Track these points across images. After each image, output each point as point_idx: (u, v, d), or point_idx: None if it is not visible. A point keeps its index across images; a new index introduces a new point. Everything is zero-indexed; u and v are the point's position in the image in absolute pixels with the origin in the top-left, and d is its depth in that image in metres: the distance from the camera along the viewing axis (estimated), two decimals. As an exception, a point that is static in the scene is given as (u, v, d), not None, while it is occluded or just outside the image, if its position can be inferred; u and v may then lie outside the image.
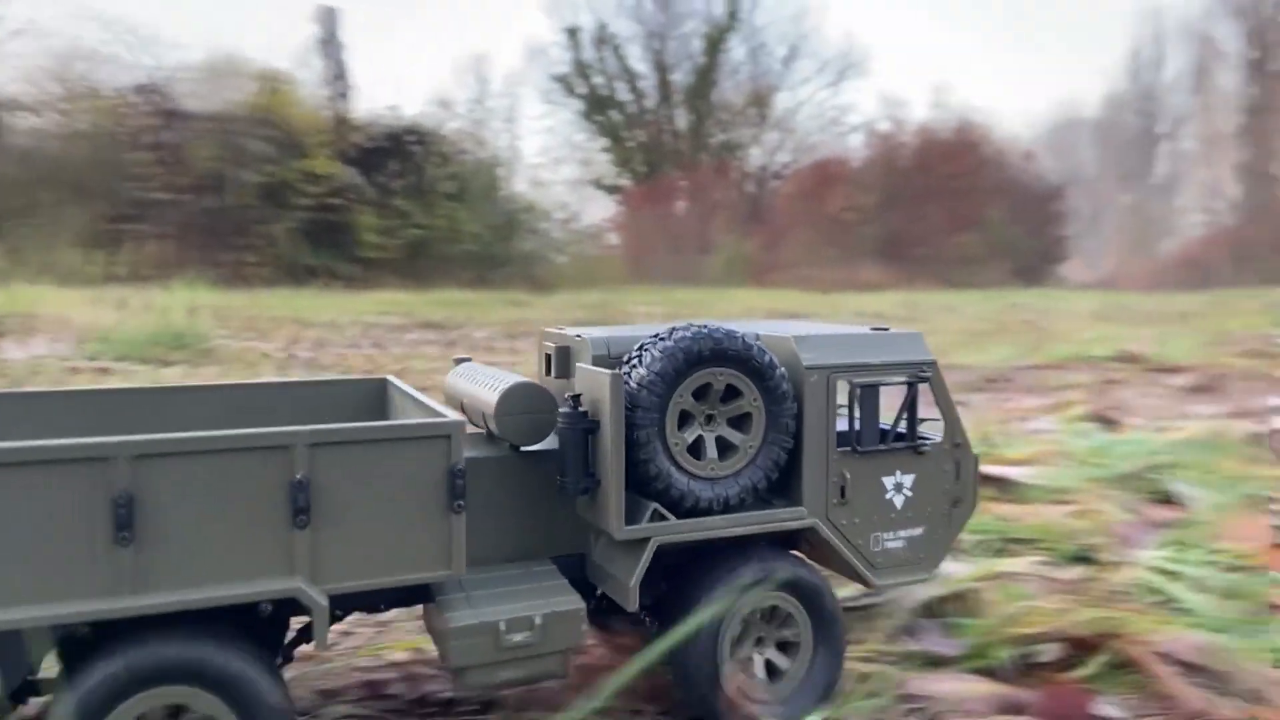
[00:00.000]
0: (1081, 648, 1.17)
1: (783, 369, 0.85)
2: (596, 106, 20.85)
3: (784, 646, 0.92)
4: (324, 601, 0.74)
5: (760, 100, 22.03)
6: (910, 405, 0.92)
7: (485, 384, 0.93)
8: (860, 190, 20.40)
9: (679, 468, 0.80)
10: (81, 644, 0.69)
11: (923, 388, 0.96)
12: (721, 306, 9.24)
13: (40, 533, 0.63)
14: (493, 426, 0.92)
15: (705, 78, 21.22)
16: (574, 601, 0.84)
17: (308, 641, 0.86)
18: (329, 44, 18.61)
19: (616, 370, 0.82)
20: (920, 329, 4.95)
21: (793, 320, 1.22)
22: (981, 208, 22.08)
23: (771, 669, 0.92)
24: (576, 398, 0.83)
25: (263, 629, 0.79)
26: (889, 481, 0.88)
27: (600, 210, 20.93)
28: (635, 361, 0.85)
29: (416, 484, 0.73)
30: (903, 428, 0.94)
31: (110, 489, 0.61)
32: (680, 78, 21.64)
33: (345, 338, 6.37)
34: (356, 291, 10.50)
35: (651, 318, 8.31)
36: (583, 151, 20.92)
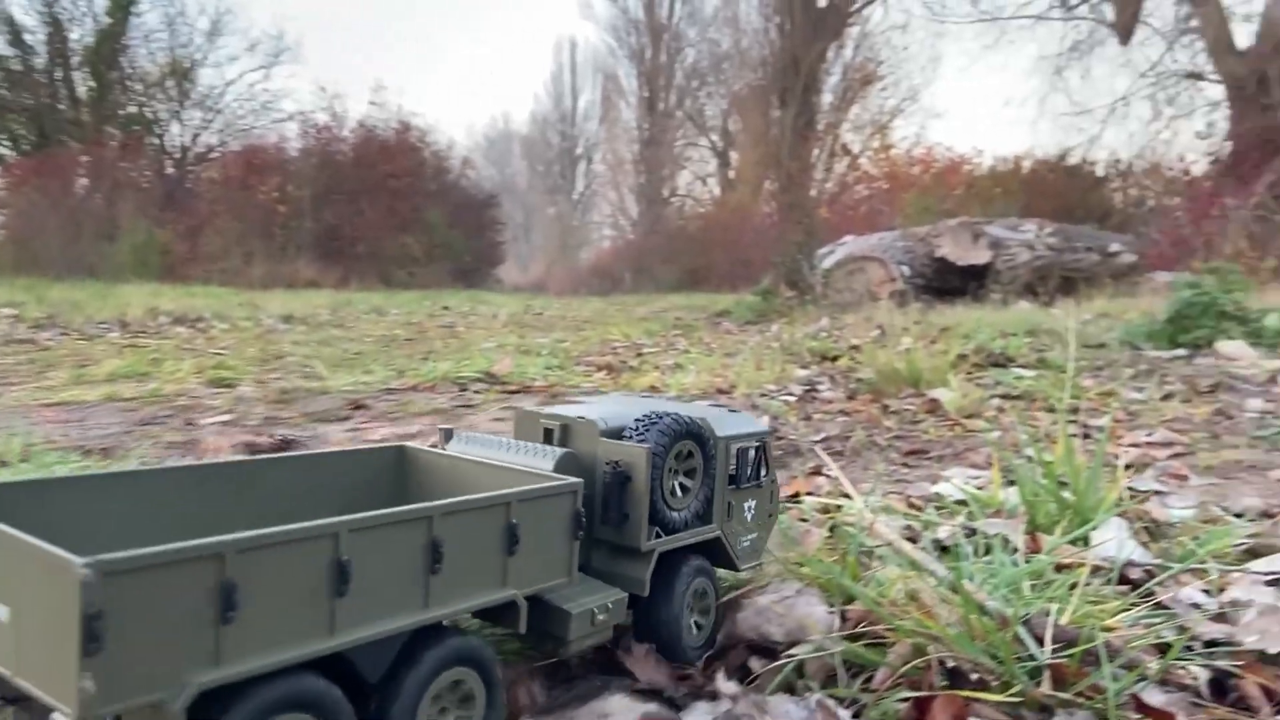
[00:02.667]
0: None
1: (712, 439, 1.19)
2: (-41, 55, 16.88)
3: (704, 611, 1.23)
4: (525, 603, 0.98)
5: (180, 74, 19.82)
6: (758, 459, 1.28)
7: (524, 452, 1.16)
8: (295, 182, 19.48)
9: (666, 504, 1.12)
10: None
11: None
12: (112, 307, 7.95)
13: (392, 570, 0.84)
14: None
15: (111, 40, 18.42)
16: (621, 593, 1.11)
17: None
18: None
19: (645, 446, 1.12)
20: (341, 334, 4.39)
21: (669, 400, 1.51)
22: (421, 209, 22.59)
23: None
24: (616, 462, 1.11)
25: None
26: (746, 505, 1.25)
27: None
28: (641, 437, 1.14)
29: (558, 521, 1.00)
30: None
31: (428, 537, 0.85)
32: (80, 37, 18.59)
33: None
34: None
35: (17, 321, 6.82)
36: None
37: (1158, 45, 14.66)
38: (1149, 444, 2.45)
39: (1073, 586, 1.11)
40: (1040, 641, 0.90)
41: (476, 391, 3.17)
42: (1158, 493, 2.03)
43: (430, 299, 14.46)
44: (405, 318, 9.61)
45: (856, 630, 0.97)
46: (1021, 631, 0.91)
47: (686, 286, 19.83)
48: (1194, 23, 14.00)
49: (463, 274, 24.53)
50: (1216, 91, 13.18)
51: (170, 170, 19.84)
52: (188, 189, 19.42)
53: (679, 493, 1.10)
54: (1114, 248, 11.16)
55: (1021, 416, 2.81)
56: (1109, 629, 0.98)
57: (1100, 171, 14.71)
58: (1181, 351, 4.23)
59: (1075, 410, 2.92)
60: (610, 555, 1.14)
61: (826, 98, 22.79)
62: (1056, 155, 14.91)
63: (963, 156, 17.51)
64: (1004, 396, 3.09)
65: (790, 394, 3.24)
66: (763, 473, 1.24)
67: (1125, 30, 15.73)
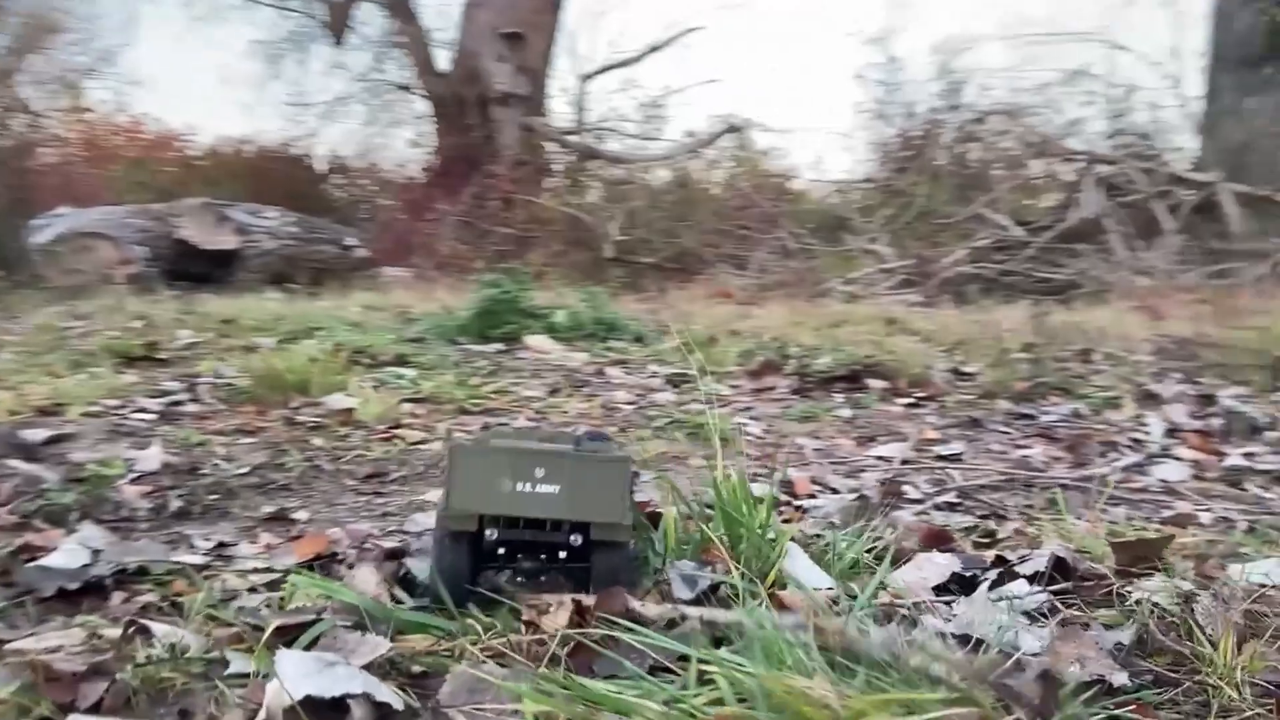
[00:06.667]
0: None
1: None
2: None
3: None
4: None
5: None
6: None
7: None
8: None
9: None
10: None
11: None
12: None
13: None
14: None
15: None
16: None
17: None
18: None
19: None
20: None
21: None
22: None
23: None
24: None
25: None
26: None
27: None
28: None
29: None
30: None
31: None
32: None
33: None
34: None
35: None
36: None
37: (370, 53, 15.59)
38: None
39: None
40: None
41: None
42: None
43: None
44: None
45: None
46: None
47: None
48: (402, 39, 15.24)
49: None
50: (425, 105, 14.56)
51: None
52: None
53: None
54: (349, 241, 11.54)
55: (441, 421, 2.60)
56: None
57: (322, 166, 15.07)
58: (499, 345, 4.49)
59: (487, 411, 2.82)
60: None
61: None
62: (280, 144, 14.79)
63: (177, 132, 16.17)
64: (412, 400, 2.83)
65: (146, 410, 2.46)
66: None
67: (337, 32, 16.37)
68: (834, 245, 9.98)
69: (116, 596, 1.31)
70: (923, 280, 8.51)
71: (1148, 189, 8.03)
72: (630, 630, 1.04)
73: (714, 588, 1.18)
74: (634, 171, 13.20)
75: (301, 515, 1.80)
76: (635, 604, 1.15)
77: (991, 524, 1.89)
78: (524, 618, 1.17)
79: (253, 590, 1.31)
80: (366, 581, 1.14)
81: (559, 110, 14.83)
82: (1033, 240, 8.47)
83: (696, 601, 1.14)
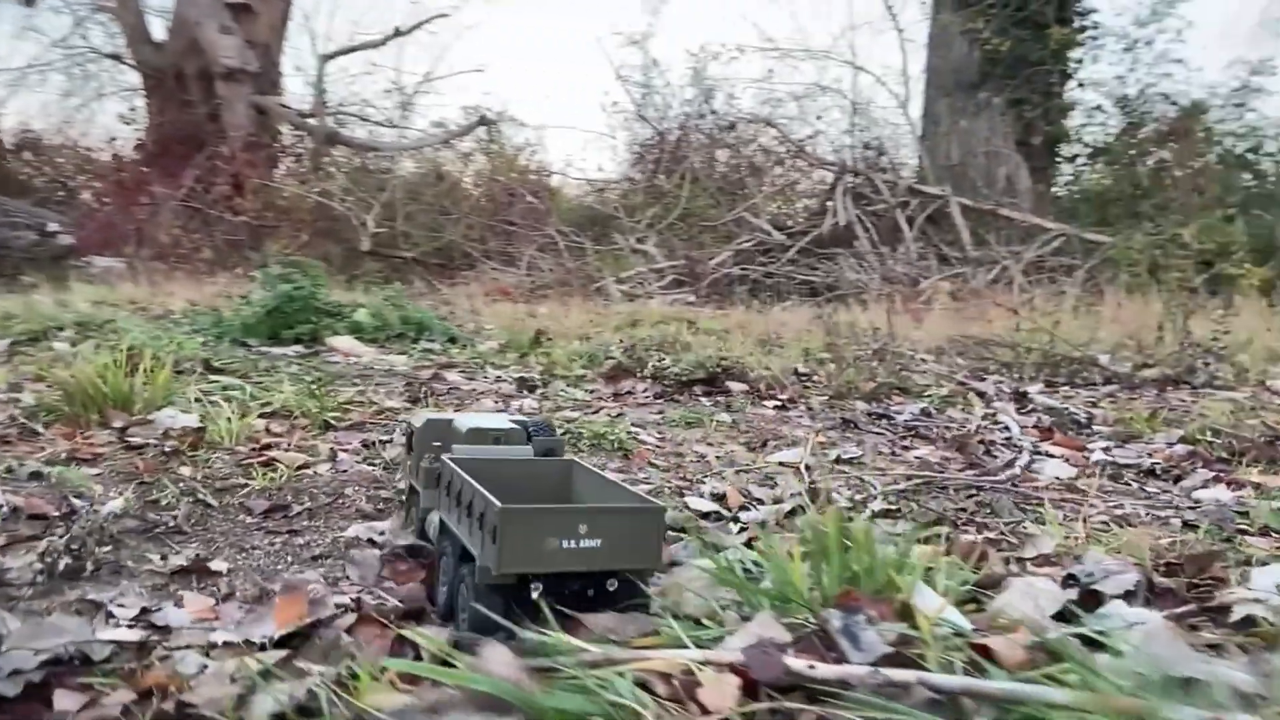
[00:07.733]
0: None
1: None
2: None
3: None
4: None
5: None
6: None
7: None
8: None
9: None
10: None
11: None
12: None
13: None
14: None
15: None
16: None
17: None
18: None
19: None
20: None
21: None
22: None
23: None
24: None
25: None
26: None
27: None
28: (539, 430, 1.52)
29: None
30: None
31: None
32: None
33: None
34: None
35: None
36: None
37: (71, 16, 13.64)
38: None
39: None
40: None
41: None
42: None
43: None
44: None
45: None
46: None
47: None
48: (109, 3, 13.48)
49: None
50: (137, 78, 12.96)
51: None
52: None
53: None
54: (52, 227, 10.00)
55: (311, 440, 2.22)
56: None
57: (10, 141, 12.98)
58: (299, 347, 3.99)
59: (355, 426, 2.44)
60: None
61: None
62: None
63: None
64: (263, 416, 2.39)
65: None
66: None
67: (28, -10, 14.16)
68: (604, 244, 10.02)
69: (65, 697, 0.94)
70: (693, 280, 8.74)
71: (890, 199, 8.74)
72: (840, 700, 0.89)
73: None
74: (381, 159, 12.51)
75: (219, 566, 1.43)
76: (798, 665, 0.98)
77: (946, 529, 1.88)
78: (663, 693, 0.97)
79: (269, 675, 0.99)
80: (500, 663, 0.87)
81: (295, 91, 13.75)
82: (791, 244, 8.96)
83: (879, 661, 0.99)
